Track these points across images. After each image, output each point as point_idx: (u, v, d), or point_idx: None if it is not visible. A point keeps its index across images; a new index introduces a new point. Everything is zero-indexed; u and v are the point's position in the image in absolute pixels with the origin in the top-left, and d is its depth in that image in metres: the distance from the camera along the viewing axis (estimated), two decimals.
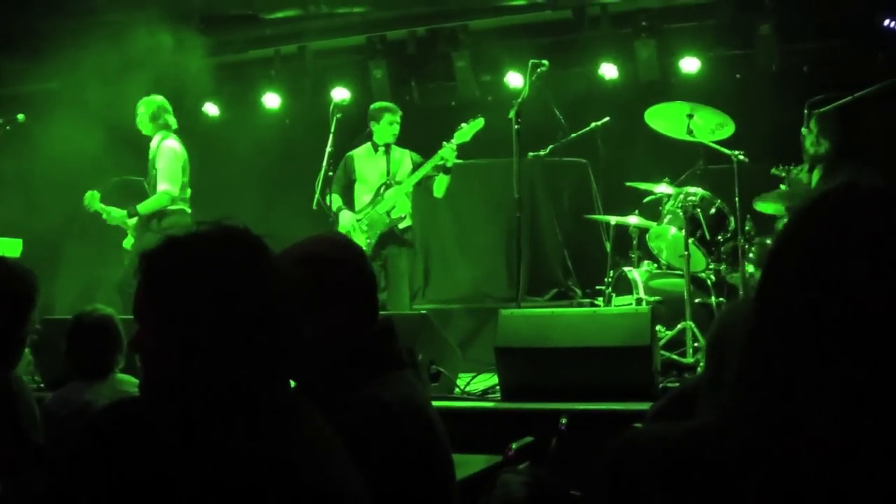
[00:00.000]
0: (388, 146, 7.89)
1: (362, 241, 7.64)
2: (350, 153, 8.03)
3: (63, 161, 8.78)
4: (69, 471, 1.87)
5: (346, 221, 7.80)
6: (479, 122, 7.68)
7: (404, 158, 7.95)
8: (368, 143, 7.96)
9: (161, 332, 1.83)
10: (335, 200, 7.93)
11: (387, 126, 7.80)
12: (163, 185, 7.93)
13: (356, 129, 8.24)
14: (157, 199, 7.90)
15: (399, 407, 2.31)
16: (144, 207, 7.87)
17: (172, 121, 8.20)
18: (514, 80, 9.36)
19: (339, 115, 7.77)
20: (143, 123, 8.08)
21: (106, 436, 1.85)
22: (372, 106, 8.02)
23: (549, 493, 2.65)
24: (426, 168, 7.69)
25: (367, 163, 7.95)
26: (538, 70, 7.31)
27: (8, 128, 8.21)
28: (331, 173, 7.66)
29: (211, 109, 11.52)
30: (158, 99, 8.17)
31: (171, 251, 1.85)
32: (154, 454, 1.76)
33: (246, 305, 1.81)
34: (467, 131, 7.64)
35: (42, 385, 6.56)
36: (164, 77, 10.57)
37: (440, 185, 7.73)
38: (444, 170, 7.64)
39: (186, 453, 1.75)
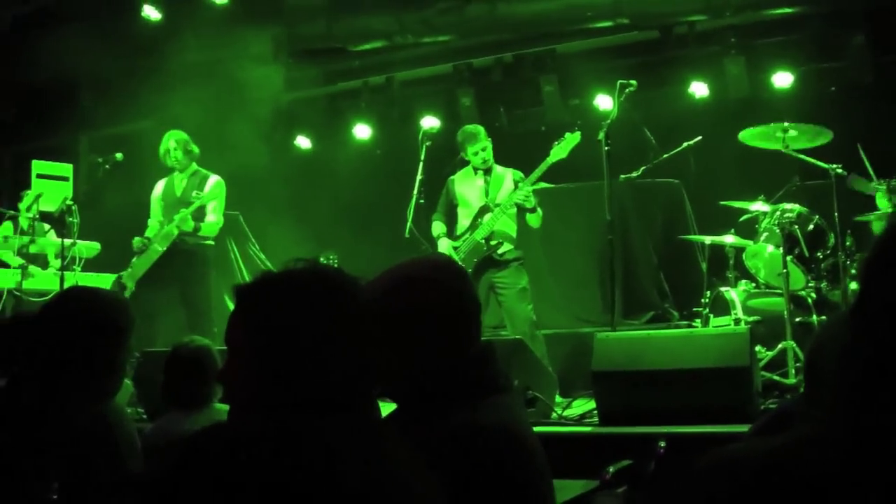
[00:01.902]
0: (487, 168, 7.69)
1: None
2: (451, 177, 7.90)
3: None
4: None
5: (444, 250, 7.66)
6: (575, 137, 7.44)
7: (505, 178, 7.67)
8: (469, 166, 7.79)
9: (249, 362, 1.89)
10: (436, 227, 7.80)
11: (473, 156, 7.64)
12: (212, 217, 8.23)
13: (447, 156, 8.25)
14: (211, 227, 8.21)
15: (496, 433, 2.25)
16: (206, 229, 8.17)
17: (197, 152, 8.45)
18: (603, 102, 9.33)
19: (428, 143, 7.76)
20: (175, 155, 8.26)
21: (200, 459, 1.85)
22: (458, 135, 7.86)
23: None
24: (512, 198, 7.45)
25: (466, 185, 7.77)
26: (626, 90, 7.23)
27: (107, 166, 8.41)
28: (422, 201, 7.60)
29: (303, 142, 11.69)
30: (183, 133, 8.35)
31: (265, 286, 1.93)
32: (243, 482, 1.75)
33: (330, 342, 1.87)
34: (564, 147, 7.44)
35: (144, 416, 6.66)
36: (255, 112, 10.79)
37: (531, 220, 7.55)
38: (526, 210, 7.47)
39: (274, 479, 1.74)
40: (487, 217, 7.53)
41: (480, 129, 7.72)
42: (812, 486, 1.29)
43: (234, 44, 10.55)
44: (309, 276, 1.95)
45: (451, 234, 7.74)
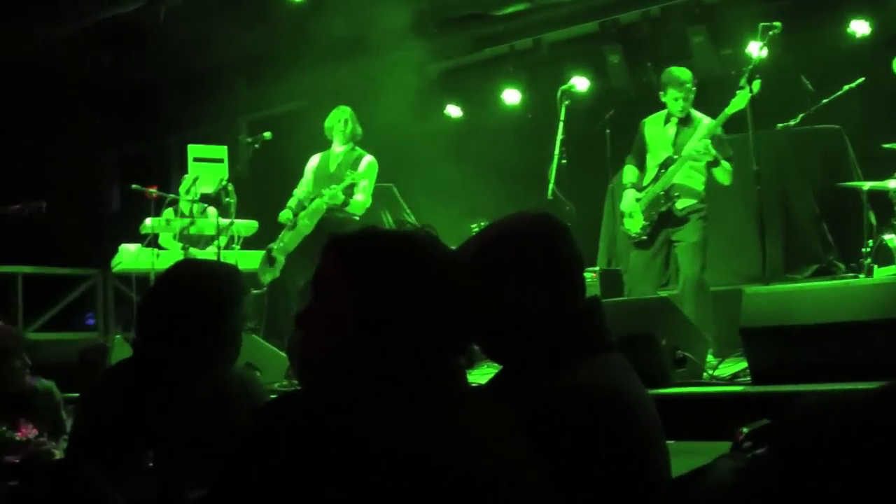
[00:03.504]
0: (684, 117, 7.31)
1: (639, 223, 7.25)
2: (644, 119, 7.52)
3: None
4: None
5: (627, 202, 7.36)
6: (755, 85, 6.91)
7: (699, 126, 7.23)
8: (664, 111, 7.38)
9: (336, 309, 1.89)
10: (627, 174, 7.49)
11: (672, 101, 7.24)
12: (360, 196, 8.19)
13: (592, 114, 8.08)
14: (357, 206, 8.19)
15: (601, 393, 2.16)
16: (354, 207, 8.16)
17: (360, 133, 8.41)
18: (755, 49, 8.93)
19: (567, 102, 7.59)
20: (338, 131, 8.25)
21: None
22: (662, 75, 7.40)
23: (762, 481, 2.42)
24: (689, 151, 7.09)
25: (656, 130, 7.39)
26: (769, 33, 6.86)
27: (256, 146, 8.56)
28: (564, 161, 7.44)
29: (453, 111, 11.67)
30: (349, 110, 8.30)
31: (363, 238, 1.95)
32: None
33: (418, 295, 1.86)
34: (739, 101, 6.97)
35: (299, 388, 6.76)
36: (404, 84, 10.83)
37: (717, 174, 7.16)
38: (711, 164, 7.09)
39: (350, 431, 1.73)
40: (671, 168, 7.21)
41: (689, 73, 7.31)
42: None
43: (379, 17, 10.59)
44: (408, 234, 1.97)
45: (639, 184, 7.42)
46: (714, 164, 7.07)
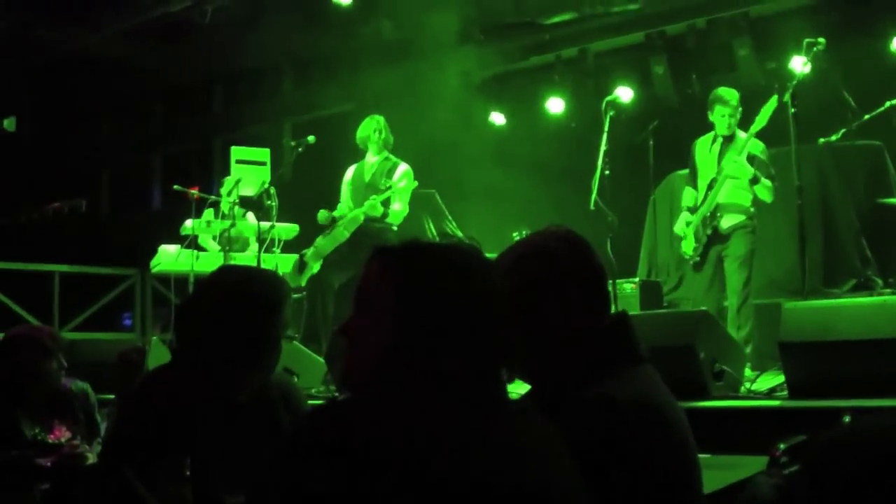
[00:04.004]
0: (729, 135, 7.41)
1: (691, 245, 7.44)
2: (696, 140, 7.67)
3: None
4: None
5: (680, 225, 7.59)
6: (771, 103, 7.07)
7: (742, 150, 7.26)
8: (712, 131, 7.52)
9: (379, 322, 1.90)
10: (685, 197, 7.66)
11: (719, 118, 7.36)
12: (398, 206, 8.27)
13: (635, 126, 8.12)
14: (396, 215, 8.28)
15: (632, 406, 2.18)
16: (392, 217, 8.26)
17: (392, 140, 8.50)
18: (798, 64, 8.94)
19: (612, 113, 7.60)
20: (377, 139, 8.37)
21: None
22: (710, 94, 7.55)
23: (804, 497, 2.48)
24: (726, 170, 7.25)
25: (703, 151, 7.55)
26: (814, 49, 6.90)
27: (300, 150, 8.63)
28: (607, 172, 7.47)
29: (497, 118, 11.74)
30: (383, 119, 8.43)
31: (408, 251, 1.96)
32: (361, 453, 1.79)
33: (461, 312, 1.88)
34: (762, 117, 7.12)
35: (336, 394, 6.83)
36: (449, 90, 10.91)
37: (758, 192, 7.25)
38: (752, 181, 7.18)
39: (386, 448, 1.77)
40: (714, 190, 7.35)
41: (736, 94, 7.42)
42: None
43: (426, 23, 10.68)
44: (450, 247, 2.00)
45: (695, 204, 7.56)
46: (754, 181, 7.15)
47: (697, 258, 7.41)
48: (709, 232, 7.34)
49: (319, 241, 8.35)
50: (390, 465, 1.69)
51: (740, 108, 7.35)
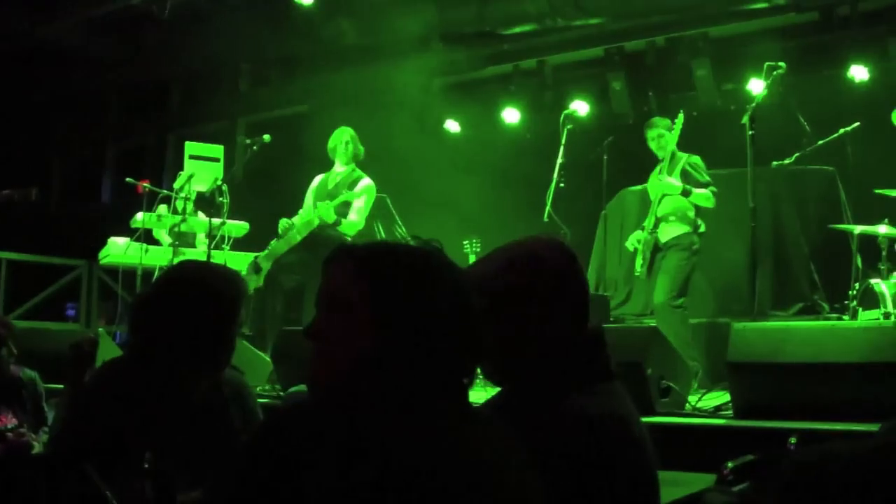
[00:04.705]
0: (669, 157, 7.60)
1: (639, 262, 7.57)
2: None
3: (307, 182, 9.11)
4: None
5: (630, 241, 7.74)
6: (678, 120, 7.42)
7: (677, 167, 7.54)
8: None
9: (349, 323, 1.86)
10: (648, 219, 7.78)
11: (651, 142, 7.63)
12: (354, 217, 8.22)
13: (592, 141, 8.13)
14: (350, 226, 8.21)
15: (603, 421, 2.18)
16: (346, 227, 8.18)
17: (362, 153, 8.46)
18: (756, 87, 9.00)
19: (569, 126, 7.64)
20: (340, 152, 8.31)
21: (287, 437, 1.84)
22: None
23: None
24: (655, 188, 7.47)
25: (654, 175, 7.76)
26: (774, 73, 6.94)
27: (255, 148, 8.55)
28: (562, 185, 7.51)
29: (452, 126, 11.71)
30: (352, 130, 8.37)
31: (379, 251, 1.92)
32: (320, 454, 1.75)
33: (429, 314, 1.85)
34: (674, 134, 7.42)
35: (281, 393, 6.78)
36: (406, 96, 10.88)
37: (698, 201, 7.44)
38: (684, 194, 7.37)
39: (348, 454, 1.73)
40: (653, 207, 7.52)
41: (662, 120, 7.69)
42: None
43: (387, 28, 10.64)
44: (425, 252, 1.94)
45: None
46: (685, 194, 7.35)
47: (646, 274, 7.47)
48: (651, 247, 7.48)
49: (273, 243, 8.29)
50: (363, 474, 1.67)
51: (670, 132, 7.51)
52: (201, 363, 3.06)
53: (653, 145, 7.60)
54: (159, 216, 9.02)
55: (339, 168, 8.40)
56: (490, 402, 2.37)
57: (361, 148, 8.44)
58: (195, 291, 3.04)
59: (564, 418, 2.16)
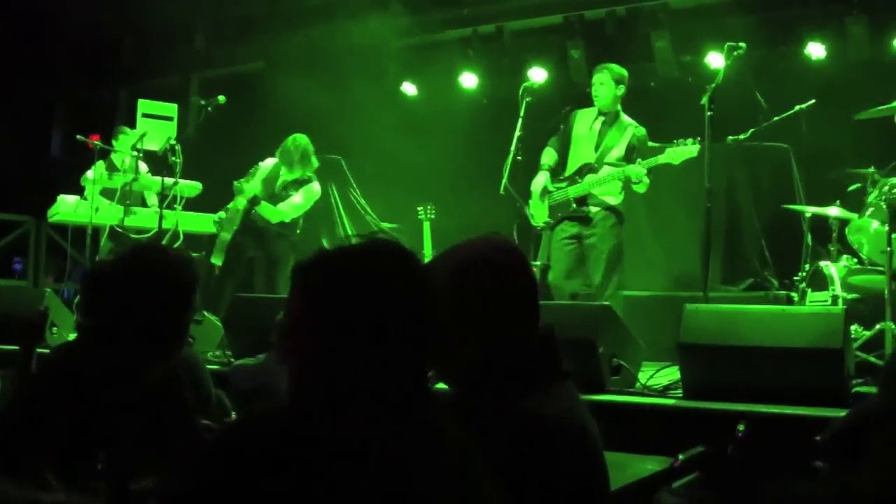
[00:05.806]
0: (613, 114, 7.27)
1: (542, 213, 7.28)
2: (577, 110, 7.52)
3: (262, 141, 9.03)
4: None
5: (537, 186, 7.34)
6: (692, 151, 6.88)
7: (624, 133, 7.20)
8: (596, 107, 7.36)
9: (312, 340, 1.88)
10: (546, 155, 7.45)
11: (592, 87, 7.29)
12: (285, 208, 8.33)
13: (550, 110, 8.09)
14: (278, 214, 8.30)
15: (557, 422, 2.21)
16: (268, 212, 8.28)
17: (315, 162, 8.46)
18: (715, 60, 9.03)
19: (528, 99, 7.52)
20: (293, 158, 8.33)
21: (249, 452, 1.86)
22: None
23: None
24: (615, 175, 7.10)
25: (583, 125, 7.39)
26: (734, 53, 6.88)
27: (209, 109, 8.45)
28: (519, 157, 7.37)
29: (409, 89, 11.63)
30: (307, 139, 8.37)
31: (324, 264, 1.92)
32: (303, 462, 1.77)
33: (392, 317, 1.87)
34: (678, 155, 6.93)
35: (232, 359, 6.77)
36: (364, 57, 10.78)
37: (637, 187, 7.07)
38: (632, 183, 7.04)
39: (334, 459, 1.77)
40: (588, 178, 7.19)
41: (618, 69, 7.33)
42: None
43: None
44: (368, 250, 1.94)
45: (557, 170, 7.41)
46: (637, 183, 7.05)
47: (549, 230, 7.29)
48: (568, 213, 7.22)
49: (230, 207, 8.42)
50: (319, 477, 1.71)
51: (622, 87, 7.26)
52: (158, 349, 3.04)
53: (593, 89, 7.26)
54: (110, 174, 8.95)
55: (288, 171, 8.46)
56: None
57: (315, 160, 8.45)
58: (153, 277, 3.02)
59: (518, 419, 2.18)
